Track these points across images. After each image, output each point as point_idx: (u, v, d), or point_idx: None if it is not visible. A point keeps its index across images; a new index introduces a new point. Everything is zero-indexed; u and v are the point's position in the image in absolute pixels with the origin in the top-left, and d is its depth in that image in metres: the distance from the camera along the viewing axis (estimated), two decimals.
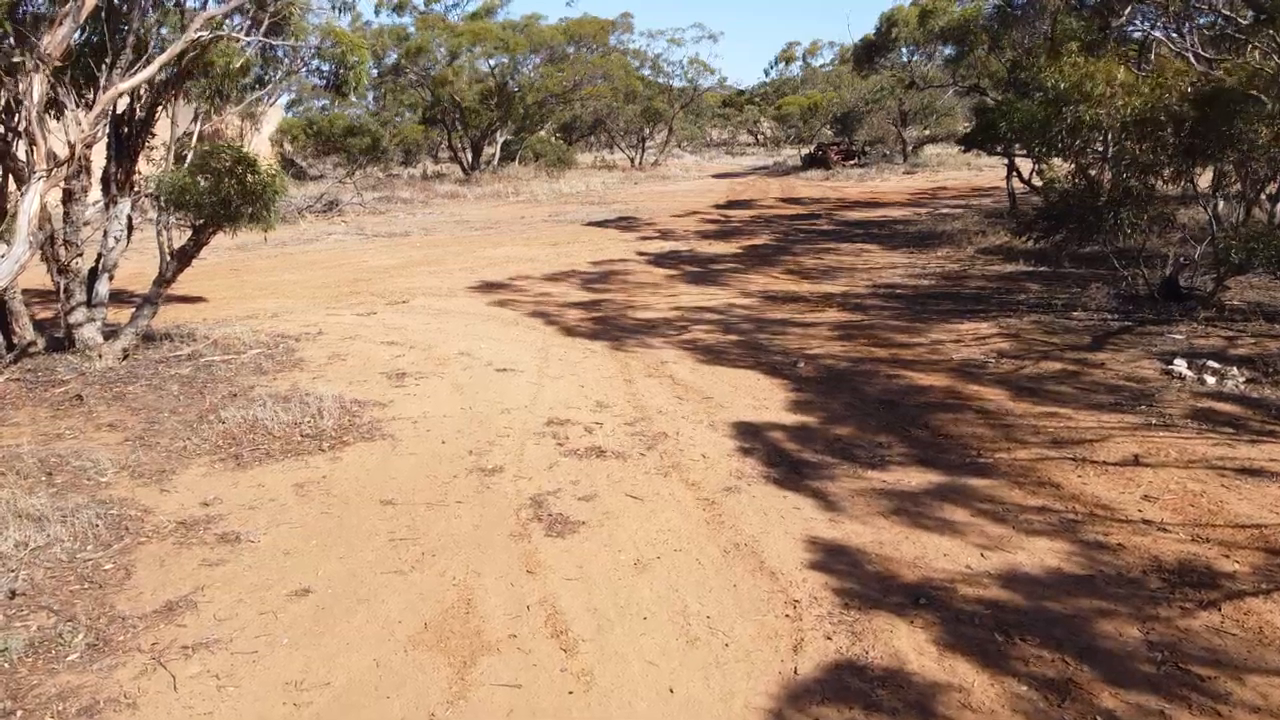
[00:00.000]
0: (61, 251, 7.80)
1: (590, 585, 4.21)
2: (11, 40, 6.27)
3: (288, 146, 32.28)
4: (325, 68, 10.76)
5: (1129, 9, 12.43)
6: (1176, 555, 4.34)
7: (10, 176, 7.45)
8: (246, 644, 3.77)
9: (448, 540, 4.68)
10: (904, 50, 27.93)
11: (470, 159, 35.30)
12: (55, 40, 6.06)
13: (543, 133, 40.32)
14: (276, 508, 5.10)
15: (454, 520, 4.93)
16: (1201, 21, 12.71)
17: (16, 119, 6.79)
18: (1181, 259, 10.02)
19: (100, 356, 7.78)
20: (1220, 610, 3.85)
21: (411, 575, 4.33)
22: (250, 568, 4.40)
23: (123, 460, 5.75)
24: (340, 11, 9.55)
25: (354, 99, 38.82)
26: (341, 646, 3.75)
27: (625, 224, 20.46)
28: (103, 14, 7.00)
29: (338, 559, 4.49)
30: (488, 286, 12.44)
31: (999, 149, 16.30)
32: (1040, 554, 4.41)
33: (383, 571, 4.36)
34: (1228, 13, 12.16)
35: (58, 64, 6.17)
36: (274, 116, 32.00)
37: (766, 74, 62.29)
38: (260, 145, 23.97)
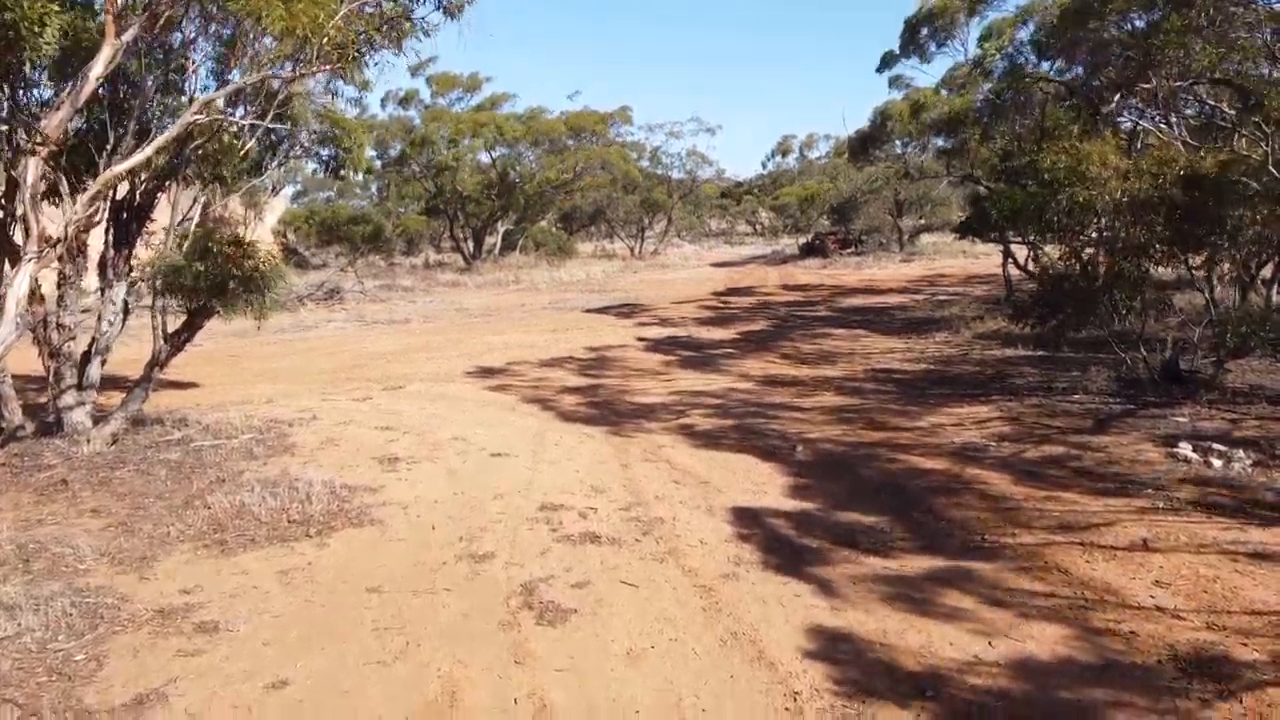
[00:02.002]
0: (54, 335, 7.76)
1: (582, 677, 4.03)
2: (20, 130, 6.33)
3: (291, 236, 32.72)
4: (325, 152, 10.90)
5: (1117, 98, 12.68)
6: (1192, 643, 4.16)
7: (6, 259, 7.45)
8: None
9: (434, 630, 4.51)
10: (898, 142, 28.44)
11: (472, 248, 35.77)
12: (53, 123, 6.12)
13: (543, 223, 40.99)
14: (259, 595, 4.93)
15: (441, 609, 4.76)
16: (1189, 111, 12.95)
17: (14, 202, 6.82)
18: (1181, 342, 9.97)
19: (89, 441, 7.67)
20: (1241, 701, 3.66)
21: (395, 666, 4.14)
22: (227, 659, 4.22)
23: (104, 547, 5.59)
24: (344, 101, 9.72)
25: (358, 190, 39.55)
26: None
27: (624, 311, 20.54)
28: (104, 101, 7.09)
29: (319, 649, 4.31)
30: (485, 372, 12.39)
31: (994, 236, 16.49)
32: (1050, 642, 4.23)
33: (365, 663, 4.18)
34: (1213, 102, 12.41)
35: (54, 148, 6.21)
36: (278, 206, 32.56)
37: (764, 165, 63.36)
38: (263, 234, 24.27)
